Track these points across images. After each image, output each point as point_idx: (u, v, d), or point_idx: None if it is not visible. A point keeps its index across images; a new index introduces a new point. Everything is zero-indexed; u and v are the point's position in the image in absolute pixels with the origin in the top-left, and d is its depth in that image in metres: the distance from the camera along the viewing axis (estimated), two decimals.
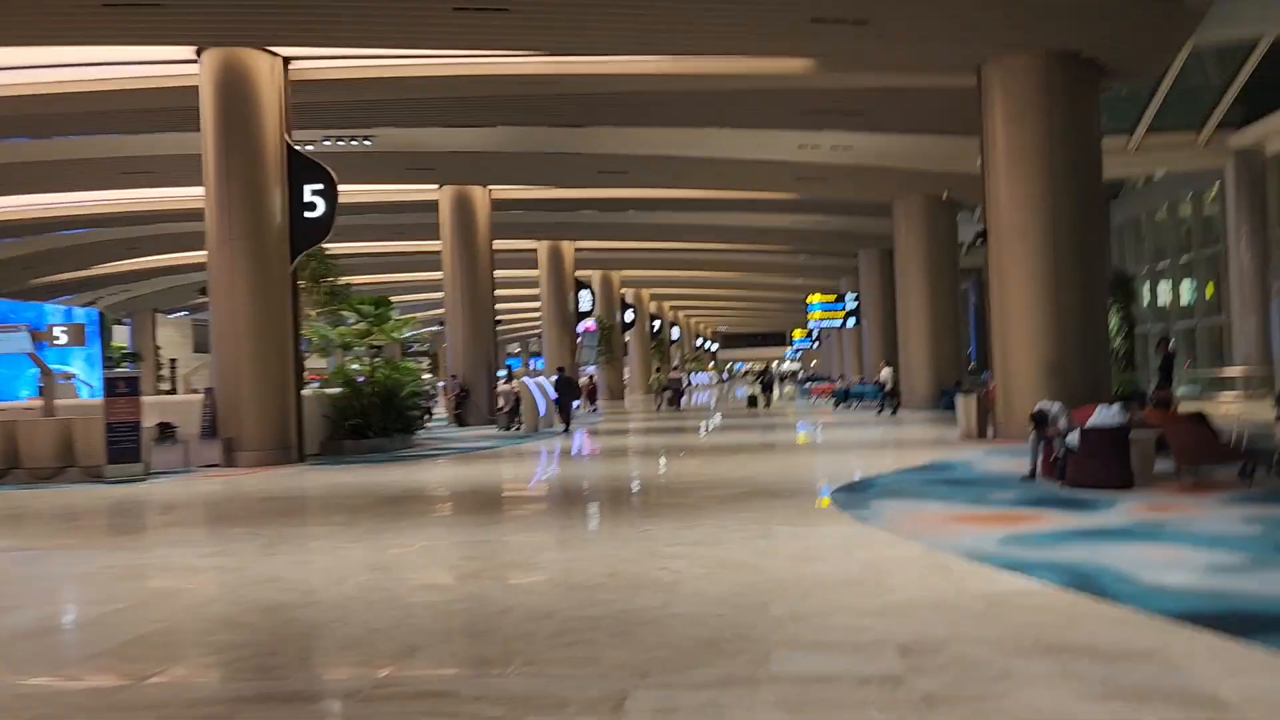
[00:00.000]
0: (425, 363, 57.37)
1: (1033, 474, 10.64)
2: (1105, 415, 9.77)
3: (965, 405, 16.84)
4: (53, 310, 41.37)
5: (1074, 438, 9.85)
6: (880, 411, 26.03)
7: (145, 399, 18.27)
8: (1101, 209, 16.11)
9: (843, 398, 32.01)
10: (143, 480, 14.68)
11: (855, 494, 10.17)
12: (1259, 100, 22.62)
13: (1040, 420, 10.59)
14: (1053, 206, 15.55)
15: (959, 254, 29.07)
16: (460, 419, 27.18)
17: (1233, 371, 25.27)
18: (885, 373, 27.82)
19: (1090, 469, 9.54)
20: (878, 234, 34.80)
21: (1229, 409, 18.22)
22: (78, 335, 17.80)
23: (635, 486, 12.17)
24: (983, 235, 16.59)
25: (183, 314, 57.50)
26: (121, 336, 52.33)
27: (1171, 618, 4.91)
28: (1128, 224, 31.62)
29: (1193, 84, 22.88)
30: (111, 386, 15.09)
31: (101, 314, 46.63)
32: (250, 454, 16.77)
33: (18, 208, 28.69)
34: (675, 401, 35.88)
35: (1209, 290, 27.82)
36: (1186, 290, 29.46)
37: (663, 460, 16.03)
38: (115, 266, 41.10)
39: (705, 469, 13.49)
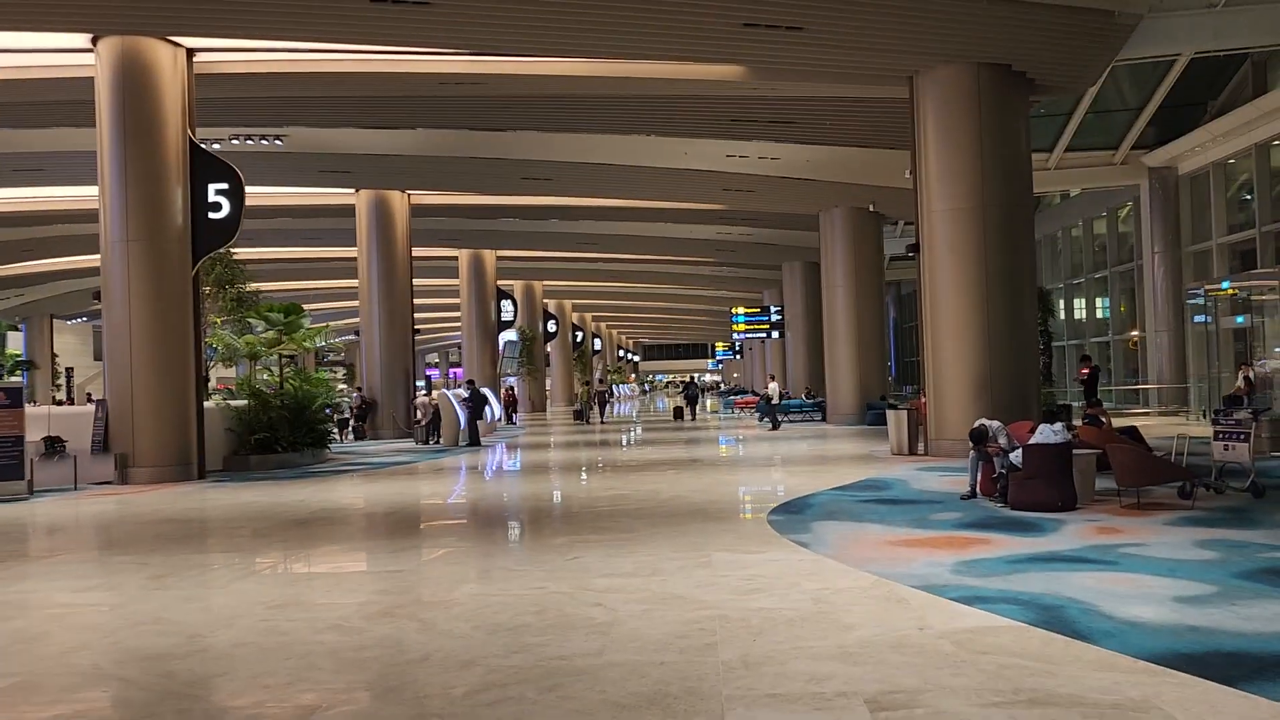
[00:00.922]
0: (341, 373, 55.71)
1: (973, 493, 10.36)
2: (1048, 433, 9.52)
3: (895, 420, 16.64)
4: None
5: (1017, 456, 9.58)
6: (762, 422, 25.87)
7: (32, 410, 17.00)
8: (1030, 223, 16.09)
9: (767, 411, 31.77)
10: (24, 499, 13.51)
11: (793, 515, 9.73)
12: (1173, 120, 23.15)
13: (979, 437, 10.32)
14: (983, 219, 15.46)
15: (884, 267, 29.15)
16: (359, 433, 26.11)
17: (1147, 386, 25.79)
18: (772, 387, 28.05)
19: (1033, 489, 9.27)
20: (803, 246, 34.89)
21: (1149, 424, 18.44)
22: None
23: (562, 507, 11.54)
24: (914, 248, 16.43)
25: (82, 320, 54.76)
26: (17, 343, 49.60)
27: (1153, 660, 4.52)
28: (1045, 240, 32.21)
29: (1110, 103, 23.30)
30: None
31: None
32: (146, 470, 15.68)
33: None
34: (586, 416, 35.17)
35: (1123, 306, 28.44)
36: (1101, 306, 30.08)
37: (589, 477, 15.44)
38: (8, 269, 38.78)
39: (635, 487, 12.94)
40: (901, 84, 16.47)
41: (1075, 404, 21.50)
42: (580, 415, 35.71)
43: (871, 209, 27.27)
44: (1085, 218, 29.82)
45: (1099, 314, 30.19)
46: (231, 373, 34.08)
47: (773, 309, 43.17)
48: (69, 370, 51.93)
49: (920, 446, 16.35)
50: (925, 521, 9.03)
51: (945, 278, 15.68)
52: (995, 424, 10.42)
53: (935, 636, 5.04)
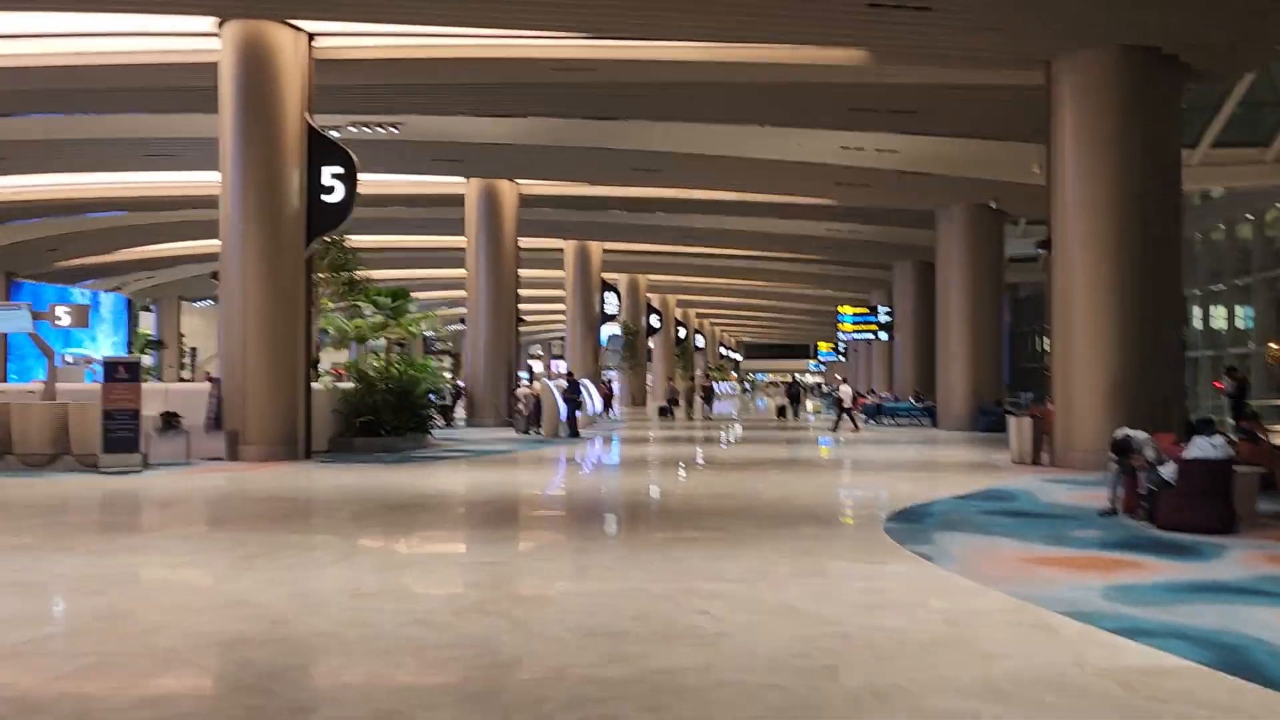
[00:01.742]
0: (448, 361, 56.63)
1: (1113, 509, 9.47)
2: (1205, 447, 8.59)
3: (1018, 427, 15.63)
4: (79, 294, 40.97)
5: (1169, 471, 8.67)
6: (834, 430, 25.35)
7: (151, 386, 17.46)
8: (1177, 220, 14.86)
9: (875, 413, 30.76)
10: (138, 473, 13.75)
11: (912, 524, 9.04)
12: None
13: (1123, 449, 9.42)
14: (1124, 215, 14.34)
15: (1004, 267, 27.75)
16: (447, 418, 25.76)
17: None
18: (844, 390, 27.46)
19: (1188, 508, 8.36)
20: (915, 245, 33.59)
21: None
22: (81, 317, 16.92)
23: (661, 503, 11.07)
24: (1045, 244, 15.38)
25: (208, 303, 57.02)
26: (148, 324, 51.93)
27: None
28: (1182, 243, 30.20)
29: (1261, 95, 21.54)
30: (111, 371, 14.16)
31: (129, 301, 46.22)
32: (255, 448, 15.86)
33: (41, 188, 28.03)
34: (671, 413, 34.45)
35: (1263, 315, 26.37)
36: (1242, 315, 27.99)
37: (690, 474, 14.94)
38: (141, 252, 40.48)
39: (737, 485, 12.39)
40: (1036, 69, 15.43)
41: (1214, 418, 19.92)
42: (666, 412, 34.43)
43: (993, 206, 25.96)
44: (1228, 220, 27.79)
45: (1239, 324, 28.10)
46: (343, 356, 34.79)
47: (881, 309, 41.89)
48: (193, 350, 54.08)
49: (1044, 456, 15.32)
50: (1062, 538, 8.23)
51: (1079, 276, 14.61)
52: (1141, 435, 9.50)
53: (1096, 674, 4.37)
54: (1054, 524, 9.06)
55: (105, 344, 40.80)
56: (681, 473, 15.19)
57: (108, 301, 43.55)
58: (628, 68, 17.38)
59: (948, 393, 26.93)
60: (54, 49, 17.10)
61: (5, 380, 30.49)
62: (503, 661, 4.59)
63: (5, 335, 31.50)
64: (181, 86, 18.56)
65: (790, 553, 7.50)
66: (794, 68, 16.70)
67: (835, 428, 25.78)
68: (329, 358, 36.23)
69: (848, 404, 26.48)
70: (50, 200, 29.25)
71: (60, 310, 16.39)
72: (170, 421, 16.01)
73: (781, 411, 34.94)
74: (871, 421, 30.11)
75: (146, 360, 47.64)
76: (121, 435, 13.87)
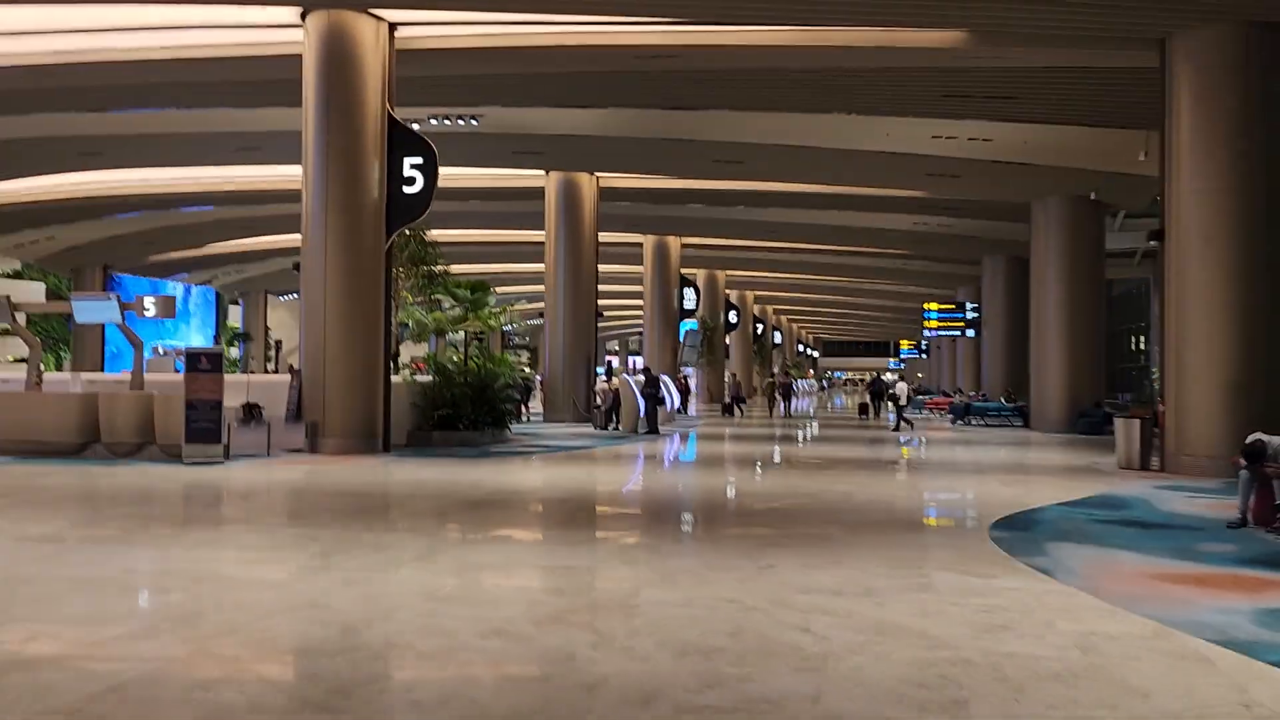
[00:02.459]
0: (525, 356, 56.81)
1: (1243, 520, 8.67)
2: None
3: (1126, 430, 14.70)
4: (171, 287, 42.15)
5: None
6: (896, 428, 24.92)
7: (233, 378, 17.60)
8: None
9: (963, 413, 29.68)
10: (220, 463, 13.80)
11: (1020, 533, 8.39)
12: None
13: (1256, 455, 8.61)
14: (1246, 203, 13.34)
15: (1103, 263, 26.44)
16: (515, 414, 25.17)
17: None
18: (900, 386, 26.83)
19: None
20: (1007, 239, 32.39)
21: None
22: (167, 307, 17.13)
23: (746, 504, 10.58)
24: (1157, 235, 14.42)
25: (293, 296, 58.20)
26: (236, 317, 53.24)
27: None
28: None
29: None
30: (193, 363, 14.24)
31: (218, 294, 47.41)
32: (334, 441, 15.82)
33: (136, 182, 28.74)
34: (734, 410, 33.69)
35: None
36: None
37: (773, 473, 14.40)
38: (230, 246, 41.38)
39: (824, 486, 11.83)
40: (1149, 49, 14.47)
41: None
42: (730, 410, 32.94)
43: (1093, 197, 24.74)
44: None
45: None
46: (423, 350, 35.00)
47: (968, 306, 40.56)
48: (278, 343, 55.28)
49: (1153, 461, 14.38)
50: (1192, 553, 7.51)
51: (1196, 268, 13.65)
52: (1277, 440, 8.67)
53: (1269, 717, 3.77)
54: (1179, 536, 8.32)
55: (195, 336, 41.97)
56: (762, 472, 14.66)
57: (198, 295, 44.78)
58: (711, 54, 16.89)
59: (1042, 393, 25.79)
60: (143, 43, 17.33)
61: (104, 370, 31.45)
62: (586, 681, 4.19)
63: (104, 327, 32.49)
64: (267, 79, 18.67)
65: (889, 562, 6.96)
66: (886, 51, 15.98)
67: (897, 427, 25.15)
68: (409, 352, 36.53)
69: (904, 402, 26.04)
70: (145, 194, 29.97)
71: (147, 301, 16.58)
72: (251, 413, 16.07)
73: (863, 410, 34.33)
74: (960, 422, 29.06)
75: (233, 353, 48.96)
76: (203, 426, 13.91)
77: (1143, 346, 41.54)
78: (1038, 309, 26.08)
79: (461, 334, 20.91)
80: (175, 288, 42.64)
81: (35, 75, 18.16)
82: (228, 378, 15.83)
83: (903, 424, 25.51)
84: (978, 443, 20.70)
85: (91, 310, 15.94)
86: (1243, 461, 8.75)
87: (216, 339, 44.47)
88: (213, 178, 28.50)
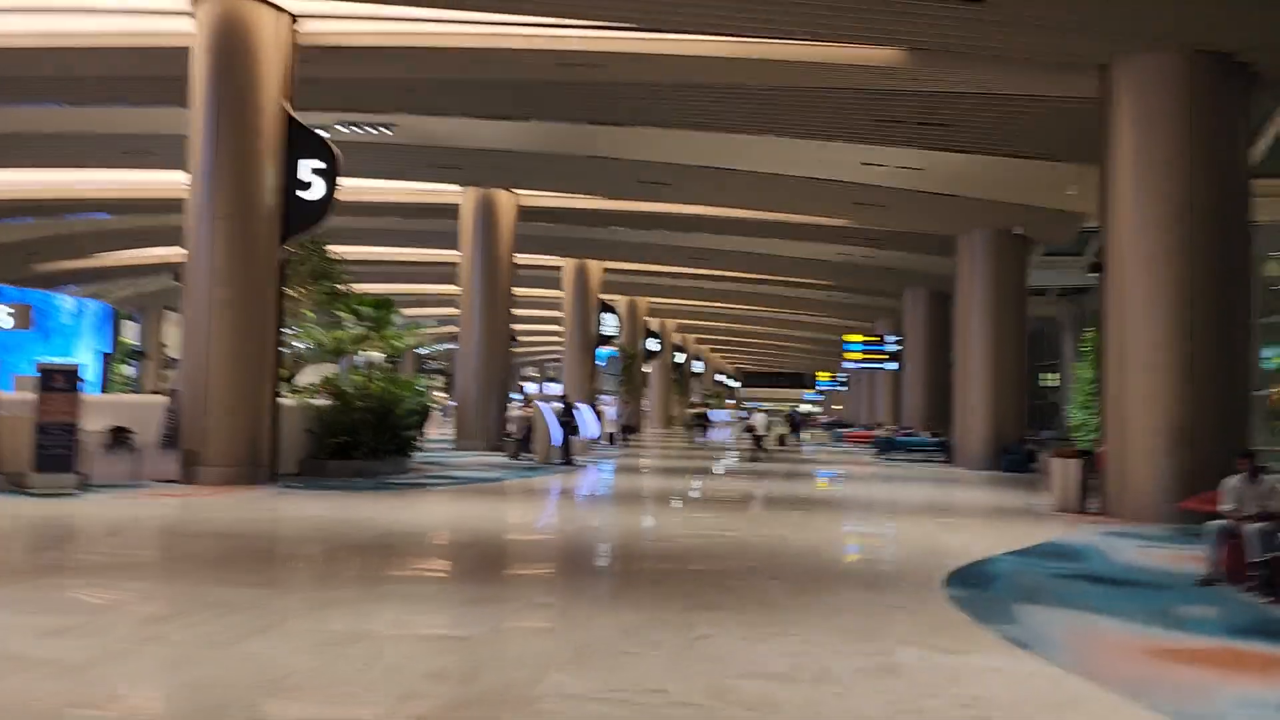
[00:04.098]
0: (440, 380, 55.00)
1: (1214, 577, 7.90)
2: None
3: (1063, 471, 14.07)
4: (61, 300, 39.36)
5: None
6: (753, 459, 25.33)
7: (98, 398, 15.88)
8: (1246, 240, 13.38)
9: (886, 447, 29.18)
10: (73, 495, 12.12)
11: (978, 591, 7.46)
12: None
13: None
14: (1187, 235, 12.87)
15: (1026, 298, 26.25)
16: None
17: None
18: (757, 418, 27.41)
19: None
20: (929, 273, 32.25)
21: None
22: (24, 317, 15.29)
23: (672, 552, 9.45)
24: (1097, 267, 13.90)
25: None
26: (133, 334, 50.29)
27: None
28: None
29: None
30: (47, 380, 12.54)
31: (114, 309, 44.60)
32: (214, 470, 14.23)
33: (15, 185, 26.45)
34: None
35: None
36: None
37: (697, 512, 13.34)
38: (124, 257, 38.90)
39: (755, 529, 10.80)
40: (1089, 75, 14.01)
41: None
42: (613, 440, 31.26)
43: (1018, 232, 24.54)
44: None
45: None
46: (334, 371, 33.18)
47: (890, 338, 40.46)
48: (175, 361, 52.37)
49: (1092, 503, 13.77)
50: (1175, 618, 6.65)
51: (1137, 302, 13.10)
52: (1233, 481, 7.94)
53: None
54: (1150, 595, 7.48)
55: (89, 353, 39.19)
56: (685, 510, 13.58)
57: (92, 309, 41.98)
58: (637, 65, 15.95)
59: (965, 428, 25.36)
60: (13, 27, 15.64)
61: None
62: None
63: None
64: (156, 75, 17.06)
65: (843, 632, 5.92)
66: (822, 68, 15.26)
67: (754, 458, 25.32)
68: (316, 374, 34.54)
69: (761, 432, 26.74)
70: (24, 199, 27.68)
71: (2, 311, 14.74)
72: (119, 437, 14.40)
73: (781, 440, 35.00)
74: (883, 456, 28.53)
75: (128, 371, 46.06)
76: (55, 452, 12.23)
77: (1054, 384, 41.96)
78: (962, 343, 25.72)
79: (374, 355, 19.42)
80: (65, 301, 39.88)
81: None
82: (94, 398, 14.17)
83: (759, 454, 26.07)
84: (906, 479, 20.01)
85: None
86: (1225, 507, 7.98)
87: (111, 356, 41.71)
88: (100, 183, 26.41)
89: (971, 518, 13.25)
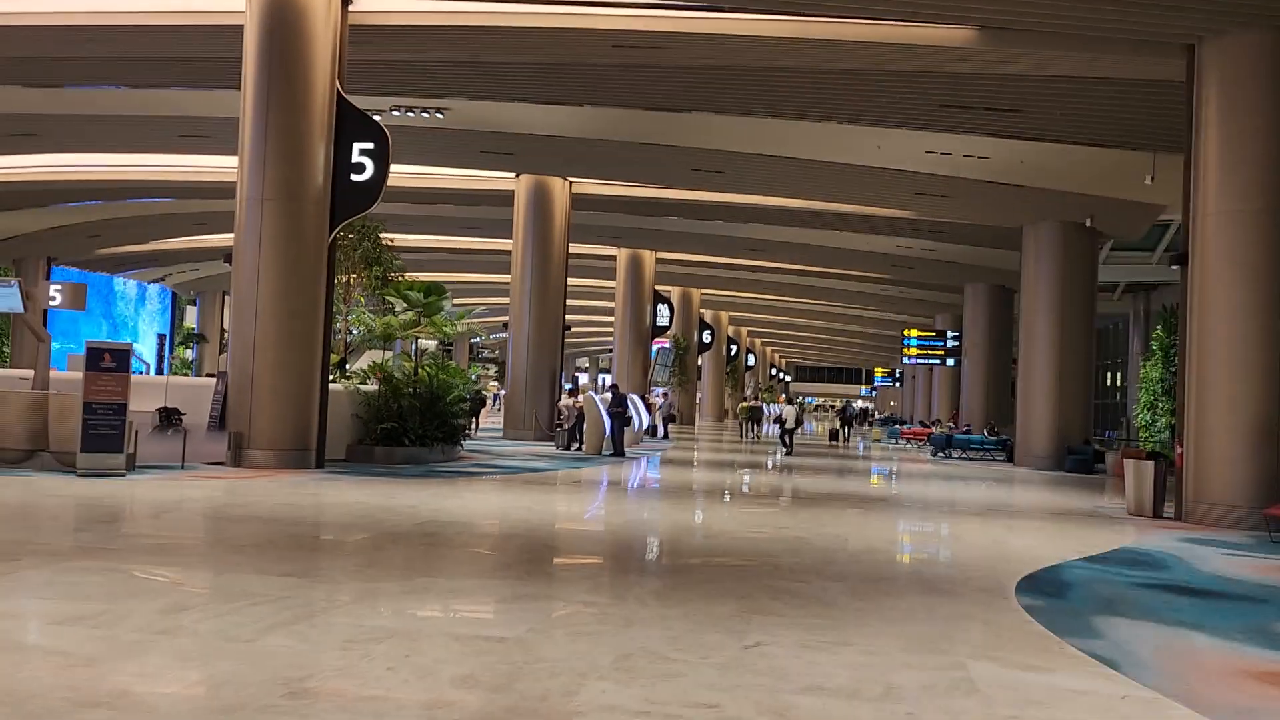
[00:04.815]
0: (493, 370, 55.14)
1: None
2: None
3: (1138, 473, 13.33)
4: (122, 284, 40.05)
5: None
6: (789, 452, 25.05)
7: (149, 379, 15.88)
8: None
9: (943, 445, 28.35)
10: (120, 475, 12.05)
11: (1055, 600, 6.92)
12: None
13: None
14: (1278, 225, 12.07)
15: (1096, 294, 25.23)
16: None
17: None
18: (788, 410, 26.69)
19: None
20: (992, 267, 31.30)
21: None
22: (75, 297, 15.29)
23: (723, 549, 9.02)
24: (1180, 259, 13.12)
25: None
26: (193, 318, 51.06)
27: None
28: None
29: None
30: (95, 359, 12.48)
31: (174, 293, 45.27)
32: (261, 453, 14.14)
33: (77, 169, 26.79)
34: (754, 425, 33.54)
35: None
36: None
37: (750, 508, 12.88)
38: (184, 242, 39.36)
39: (811, 527, 10.31)
40: (1173, 55, 13.23)
41: None
42: (654, 432, 29.26)
43: (1089, 224, 23.57)
44: None
45: None
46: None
47: (949, 334, 39.48)
48: None
49: (1168, 508, 13.03)
50: (1278, 637, 6.06)
51: (1222, 297, 12.34)
52: None
53: None
54: (1247, 610, 6.88)
55: (149, 337, 39.82)
56: (738, 505, 13.13)
57: (154, 293, 42.65)
58: (694, 47, 15.50)
59: (1028, 427, 24.48)
60: (67, 5, 15.65)
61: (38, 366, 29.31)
62: None
63: (45, 319, 30.34)
64: (212, 56, 17.04)
65: (909, 641, 5.45)
66: (887, 49, 14.64)
67: (790, 452, 24.94)
68: (371, 359, 34.60)
69: (790, 425, 25.95)
70: (87, 182, 28.02)
71: (53, 289, 14.74)
72: (169, 418, 14.35)
73: (834, 435, 35.67)
74: (940, 454, 27.73)
75: (188, 354, 46.75)
76: (103, 432, 12.16)
77: (1120, 383, 40.61)
78: (1026, 340, 24.83)
79: (427, 342, 19.26)
80: (127, 285, 40.55)
81: None
82: (145, 378, 14.15)
83: (782, 447, 25.78)
84: (965, 479, 19.29)
85: None
86: None
87: (171, 340, 42.40)
88: (161, 166, 26.63)
89: (1038, 520, 12.60)
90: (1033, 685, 4.70)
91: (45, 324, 21.24)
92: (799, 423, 27.79)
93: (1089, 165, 19.79)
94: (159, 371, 35.95)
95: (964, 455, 27.21)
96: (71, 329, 31.27)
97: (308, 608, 5.62)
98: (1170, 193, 16.86)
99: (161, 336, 38.17)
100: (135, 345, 31.14)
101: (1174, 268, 13.53)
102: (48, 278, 35.18)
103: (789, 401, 31.83)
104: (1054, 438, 23.82)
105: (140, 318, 41.22)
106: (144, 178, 27.20)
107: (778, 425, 26.99)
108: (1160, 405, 22.20)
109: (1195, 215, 12.84)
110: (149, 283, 43.39)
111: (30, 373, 14.52)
